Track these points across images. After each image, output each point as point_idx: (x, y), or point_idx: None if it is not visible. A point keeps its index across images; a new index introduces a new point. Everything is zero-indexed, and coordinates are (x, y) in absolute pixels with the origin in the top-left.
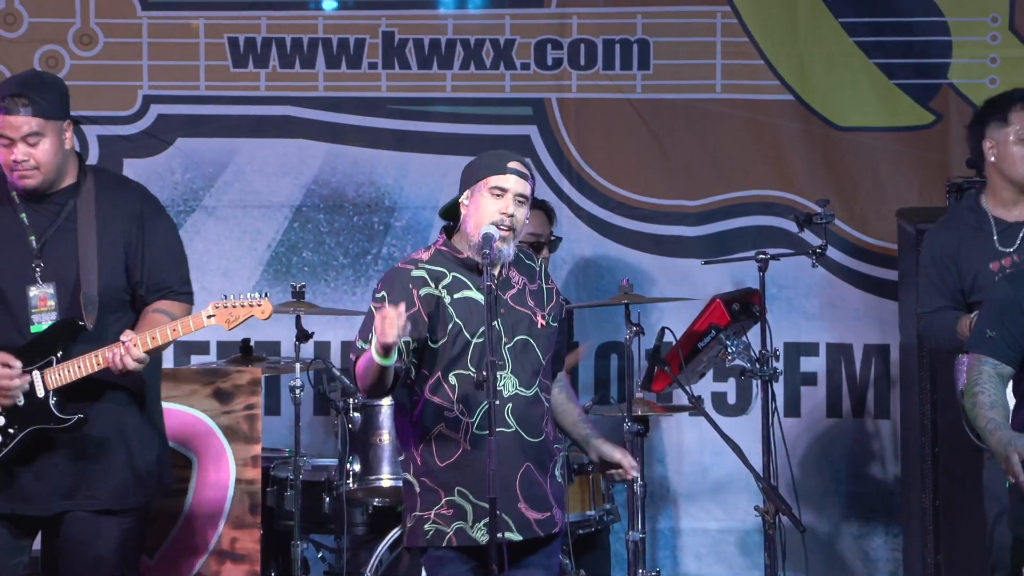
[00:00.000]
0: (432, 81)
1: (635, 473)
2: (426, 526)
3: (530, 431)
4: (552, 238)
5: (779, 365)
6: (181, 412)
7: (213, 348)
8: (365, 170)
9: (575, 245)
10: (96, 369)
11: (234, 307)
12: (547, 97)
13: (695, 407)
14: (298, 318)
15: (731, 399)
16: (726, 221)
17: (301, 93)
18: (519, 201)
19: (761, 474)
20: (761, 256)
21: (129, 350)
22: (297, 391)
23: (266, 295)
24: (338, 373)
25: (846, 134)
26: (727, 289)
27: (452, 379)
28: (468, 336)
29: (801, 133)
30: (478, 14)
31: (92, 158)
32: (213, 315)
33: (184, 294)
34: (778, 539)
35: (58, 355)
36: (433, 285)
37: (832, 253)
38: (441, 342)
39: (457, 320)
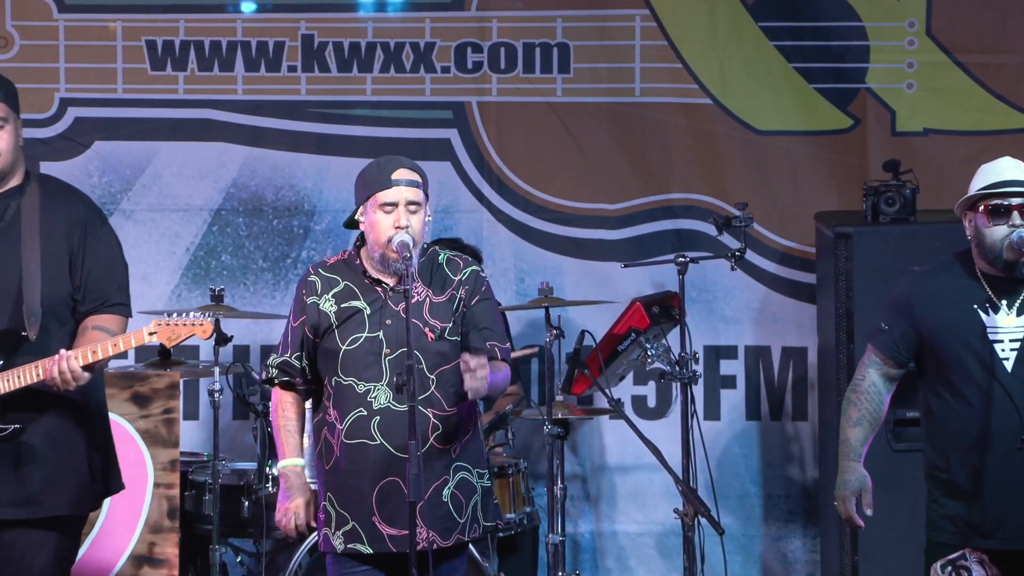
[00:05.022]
0: (352, 84)
1: (471, 363)
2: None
3: (400, 446)
4: None
5: (698, 368)
6: None
7: (131, 352)
8: (285, 173)
9: (495, 248)
10: (35, 381)
11: (176, 325)
12: (467, 100)
13: (615, 410)
14: (217, 322)
15: (651, 402)
16: (646, 224)
17: (220, 96)
18: (411, 210)
19: (680, 476)
20: (680, 259)
21: (70, 364)
22: (216, 395)
23: (209, 315)
24: (257, 377)
25: (765, 138)
26: (647, 292)
27: (333, 384)
28: (339, 343)
29: (720, 137)
30: (398, 17)
31: None
32: (155, 332)
33: (120, 305)
34: (697, 541)
35: None
36: (319, 293)
37: (751, 256)
38: (321, 348)
39: (334, 328)
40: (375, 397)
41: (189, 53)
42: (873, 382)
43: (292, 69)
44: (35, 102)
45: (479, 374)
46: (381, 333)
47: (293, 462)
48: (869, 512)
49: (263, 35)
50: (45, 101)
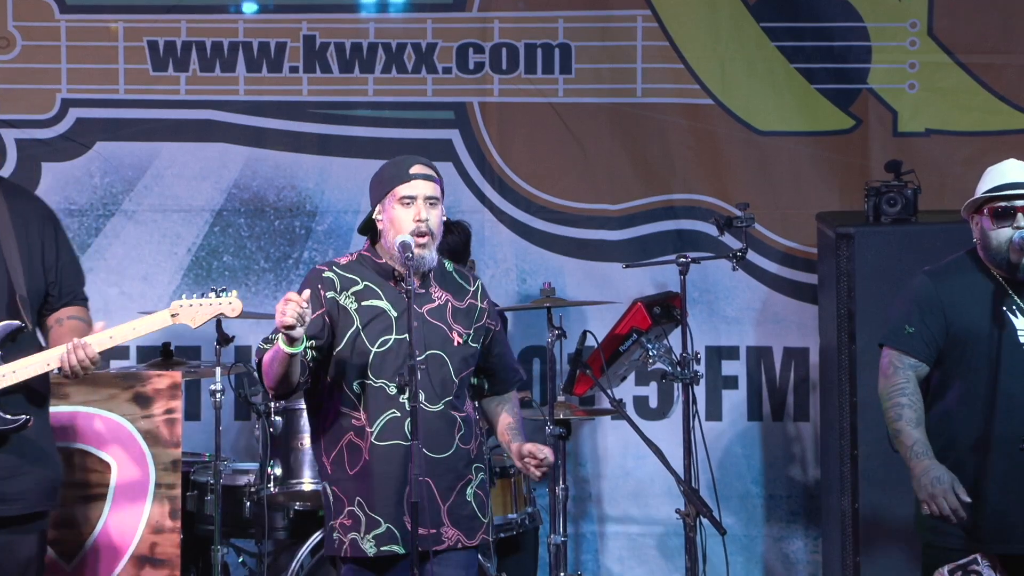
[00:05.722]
0: (354, 85)
1: (543, 455)
2: (334, 535)
3: (431, 447)
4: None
5: (700, 368)
6: (100, 416)
7: (133, 352)
8: (286, 174)
9: (497, 249)
10: (47, 370)
11: (200, 305)
12: (469, 101)
13: (617, 410)
14: (219, 322)
15: (653, 403)
16: (647, 225)
17: (222, 97)
18: (431, 203)
19: (682, 477)
20: (682, 260)
21: (88, 351)
22: (218, 395)
23: (234, 292)
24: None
25: (767, 138)
26: (648, 292)
27: (356, 387)
28: (368, 345)
29: (722, 137)
30: (399, 17)
31: (10, 162)
32: (177, 314)
33: (85, 299)
34: (699, 541)
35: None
36: (338, 290)
37: (752, 256)
38: (342, 349)
39: (359, 328)
40: (407, 398)
41: (191, 54)
42: (915, 384)
43: (294, 70)
44: (37, 103)
45: (548, 464)
46: (408, 335)
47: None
48: (968, 500)
49: (265, 36)
50: (47, 102)
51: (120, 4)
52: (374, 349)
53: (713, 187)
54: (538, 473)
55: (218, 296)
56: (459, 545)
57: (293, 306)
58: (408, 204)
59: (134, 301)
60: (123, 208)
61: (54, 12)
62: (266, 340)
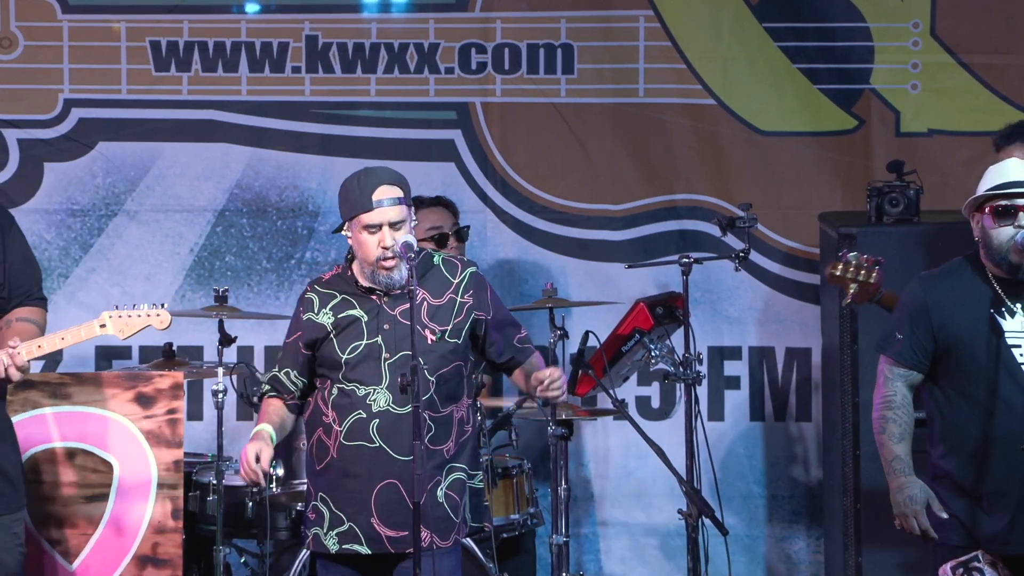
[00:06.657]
0: (356, 85)
1: (546, 376)
2: (302, 527)
3: (399, 448)
4: (458, 228)
5: (702, 368)
6: (102, 416)
7: (135, 352)
8: (288, 174)
9: (499, 249)
10: None
11: (129, 316)
12: (471, 101)
13: (619, 411)
14: (221, 322)
15: (655, 403)
16: (650, 225)
17: (224, 97)
18: (395, 227)
19: (684, 477)
20: (684, 260)
21: (14, 358)
22: (220, 395)
23: (164, 305)
24: (261, 377)
25: (769, 138)
26: (651, 293)
27: (335, 389)
28: (339, 352)
29: (724, 137)
30: (402, 18)
31: (12, 162)
32: (105, 324)
33: (41, 299)
34: (701, 542)
35: None
36: (316, 310)
37: (755, 257)
38: (319, 358)
39: (333, 338)
40: (374, 400)
41: (193, 54)
42: (904, 395)
43: (296, 70)
44: (39, 103)
45: (557, 384)
46: (379, 338)
47: (264, 427)
48: (944, 515)
49: (267, 36)
50: (49, 102)
51: (122, 4)
52: (345, 356)
53: (715, 187)
54: (556, 394)
55: (149, 309)
56: (433, 546)
57: (249, 473)
58: (374, 232)
59: (136, 301)
60: (125, 208)
61: (56, 12)
62: (260, 391)
